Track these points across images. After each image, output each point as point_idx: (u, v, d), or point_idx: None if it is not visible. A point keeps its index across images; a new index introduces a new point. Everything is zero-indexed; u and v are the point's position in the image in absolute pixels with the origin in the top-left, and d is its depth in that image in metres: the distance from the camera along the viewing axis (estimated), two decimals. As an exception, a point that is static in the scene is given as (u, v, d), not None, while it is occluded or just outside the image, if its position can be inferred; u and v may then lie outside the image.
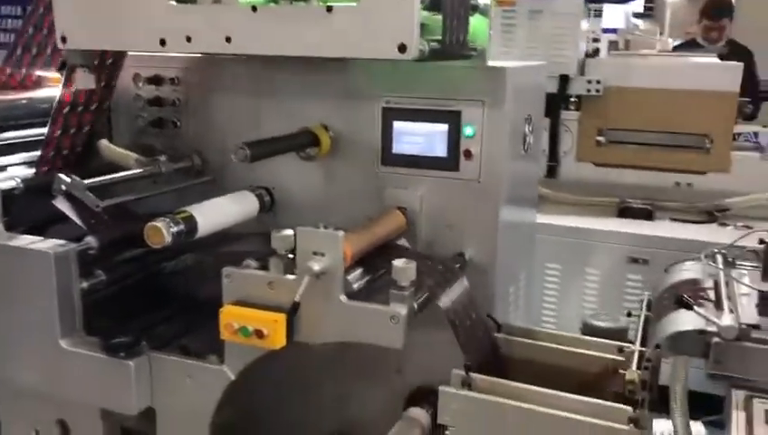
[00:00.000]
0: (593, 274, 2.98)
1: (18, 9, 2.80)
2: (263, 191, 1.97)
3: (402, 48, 1.35)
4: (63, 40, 1.63)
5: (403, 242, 1.82)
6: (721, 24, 4.71)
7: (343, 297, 1.47)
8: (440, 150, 1.79)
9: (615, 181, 3.32)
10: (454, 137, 1.76)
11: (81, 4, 1.61)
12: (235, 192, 1.91)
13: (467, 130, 1.75)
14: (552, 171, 3.41)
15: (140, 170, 1.88)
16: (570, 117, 3.38)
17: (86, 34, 1.62)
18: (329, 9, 1.39)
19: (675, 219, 3.16)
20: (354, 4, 1.38)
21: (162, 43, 1.55)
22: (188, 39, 1.52)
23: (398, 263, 1.45)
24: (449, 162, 1.78)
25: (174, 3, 1.54)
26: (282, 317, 1.47)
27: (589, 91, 3.25)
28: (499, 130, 1.73)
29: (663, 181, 3.26)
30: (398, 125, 1.82)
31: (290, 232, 1.52)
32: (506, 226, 1.83)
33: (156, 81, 2.05)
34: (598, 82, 3.22)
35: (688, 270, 1.71)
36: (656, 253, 2.81)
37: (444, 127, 1.77)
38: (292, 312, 1.46)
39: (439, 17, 1.49)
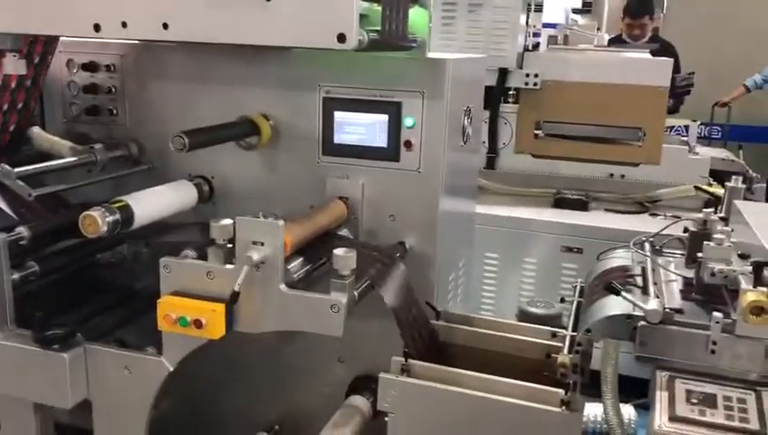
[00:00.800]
0: (530, 262, 3.06)
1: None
2: (201, 181, 1.96)
3: (341, 38, 1.35)
4: (-9, 23, 1.57)
5: (345, 232, 1.84)
6: (642, 21, 4.91)
7: (283, 286, 1.48)
8: (381, 141, 1.80)
9: (552, 173, 3.41)
10: (394, 127, 1.78)
11: (10, -14, 1.55)
12: (173, 181, 1.88)
13: (407, 121, 1.77)
14: (491, 163, 3.47)
15: (75, 159, 1.84)
16: (508, 110, 3.45)
17: (15, 18, 1.56)
18: (267, -3, 1.39)
19: (608, 210, 3.27)
20: (294, -8, 1.37)
21: (96, 28, 1.51)
22: (124, 25, 1.49)
23: (338, 252, 1.46)
24: (390, 152, 1.80)
25: (108, -14, 1.50)
26: (220, 307, 1.46)
27: (527, 84, 3.32)
28: (438, 121, 1.76)
29: (598, 173, 3.37)
30: (338, 115, 1.83)
31: (229, 221, 1.51)
32: (446, 215, 1.86)
33: (91, 67, 2.00)
34: (536, 75, 3.30)
35: (618, 257, 1.78)
36: (590, 242, 2.90)
37: (384, 117, 1.79)
38: (232, 301, 1.46)
39: (379, 8, 1.50)
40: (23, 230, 1.70)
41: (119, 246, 2.06)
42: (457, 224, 2.08)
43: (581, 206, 3.21)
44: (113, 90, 2.01)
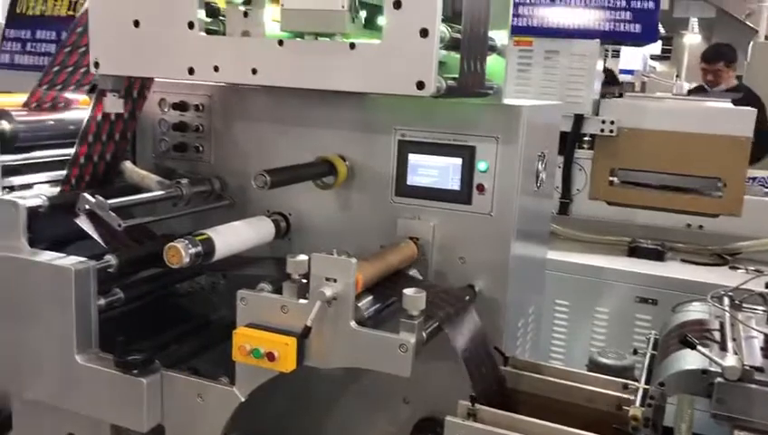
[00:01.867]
0: (602, 311, 2.99)
1: (53, 34, 2.91)
2: (279, 217, 2.02)
3: (420, 85, 1.40)
4: (96, 65, 1.70)
5: (414, 272, 1.86)
6: (715, 67, 4.82)
7: (353, 323, 1.50)
8: (454, 183, 1.83)
9: (627, 220, 3.35)
10: (467, 171, 1.81)
11: (114, 32, 1.68)
12: (252, 217, 1.95)
13: (481, 165, 1.79)
14: (564, 208, 3.44)
15: (162, 192, 1.93)
16: (583, 155, 3.43)
17: (118, 61, 1.68)
18: (352, 46, 1.45)
19: (685, 261, 3.17)
20: (377, 41, 1.43)
21: (191, 71, 1.61)
22: (216, 69, 1.58)
23: (408, 292, 1.48)
24: (462, 195, 1.82)
25: (204, 34, 1.60)
26: (292, 341, 1.50)
27: (603, 131, 3.30)
28: (512, 165, 1.78)
29: (674, 222, 3.29)
30: (413, 157, 1.87)
31: (304, 257, 1.55)
32: (517, 260, 1.86)
33: (181, 107, 2.11)
34: (612, 122, 3.27)
35: (695, 311, 1.73)
36: (665, 293, 2.82)
37: (458, 161, 1.81)
38: (303, 336, 1.49)
39: (457, 56, 1.54)
40: (111, 258, 1.80)
41: (197, 276, 2.14)
42: (529, 269, 2.07)
43: (657, 256, 3.13)
44: (201, 128, 2.11)
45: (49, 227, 1.94)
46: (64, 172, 1.98)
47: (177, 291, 2.13)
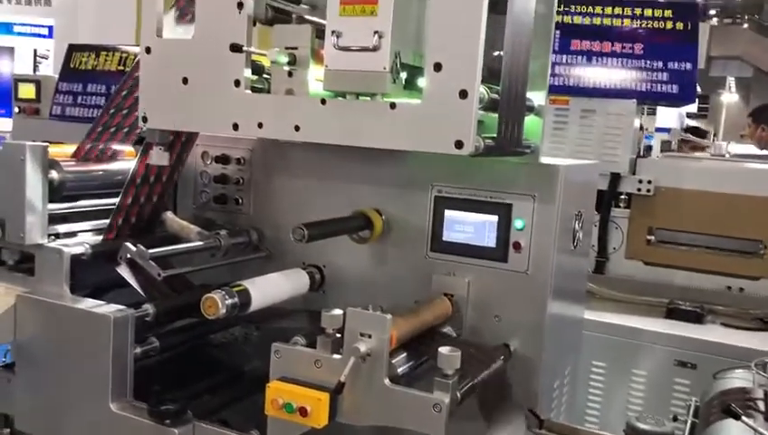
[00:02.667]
0: (640, 374, 2.91)
1: (103, 87, 3.04)
2: (314, 269, 2.03)
3: (459, 144, 1.42)
4: (144, 119, 1.76)
5: (449, 329, 1.85)
6: (756, 127, 4.80)
7: (387, 381, 1.49)
8: (490, 241, 1.83)
9: (664, 281, 3.29)
10: (504, 228, 1.81)
11: (163, 88, 1.74)
12: (288, 269, 1.97)
13: (517, 223, 1.79)
14: (600, 267, 3.40)
15: (201, 243, 1.97)
16: (620, 214, 3.40)
17: (165, 116, 1.75)
18: (392, 106, 1.48)
19: (725, 324, 3.09)
20: (417, 102, 1.46)
21: (235, 127, 1.66)
22: (260, 125, 1.63)
23: (443, 350, 1.47)
24: (498, 253, 1.82)
25: (249, 92, 1.65)
26: (325, 396, 1.49)
27: (639, 190, 3.27)
28: (549, 224, 1.77)
29: (714, 284, 3.22)
30: (449, 214, 1.88)
31: (339, 312, 1.56)
32: (554, 319, 1.84)
33: (223, 159, 2.16)
34: (649, 181, 3.25)
35: (738, 378, 1.68)
36: (705, 358, 2.74)
37: (494, 218, 1.82)
38: (336, 391, 1.48)
39: (495, 115, 1.56)
40: (149, 307, 1.82)
41: (232, 327, 2.16)
42: (565, 329, 2.04)
43: (696, 318, 3.05)
44: (241, 181, 2.16)
45: (90, 274, 1.98)
46: (107, 221, 2.04)
47: (212, 341, 2.14)
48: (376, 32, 1.43)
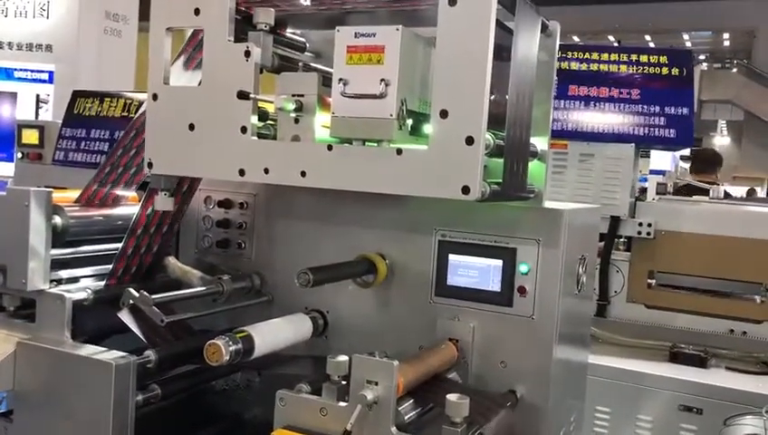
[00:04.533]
0: (645, 420, 2.88)
1: (107, 133, 3.06)
2: (317, 314, 2.02)
3: (465, 190, 1.42)
4: (150, 165, 1.77)
5: (454, 375, 1.82)
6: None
7: (394, 429, 1.47)
8: (494, 285, 1.82)
9: (666, 324, 3.27)
10: (508, 273, 1.80)
11: (169, 134, 1.75)
12: (290, 314, 1.96)
13: (522, 268, 1.79)
14: (601, 311, 3.38)
15: (204, 288, 1.95)
16: (620, 257, 3.40)
17: (171, 161, 1.75)
18: (399, 152, 1.50)
19: (730, 368, 3.06)
20: (423, 147, 1.48)
21: (241, 173, 1.66)
22: (266, 171, 1.63)
23: (451, 397, 1.45)
24: (503, 297, 1.81)
25: (255, 138, 1.67)
26: (332, 445, 1.47)
27: (640, 233, 3.28)
28: (554, 268, 1.77)
29: (716, 327, 3.20)
30: (453, 258, 1.87)
31: (344, 358, 1.54)
32: (560, 365, 1.82)
33: (226, 204, 2.17)
34: (649, 225, 3.26)
35: (749, 425, 1.66)
36: (711, 403, 2.71)
37: (499, 262, 1.81)
38: (343, 440, 1.46)
39: (499, 160, 1.57)
40: (150, 354, 1.80)
41: (233, 373, 2.13)
42: (570, 374, 2.02)
43: (700, 362, 3.03)
44: (244, 225, 2.16)
45: (91, 320, 1.96)
46: (110, 266, 2.03)
47: (213, 388, 2.11)
48: (382, 79, 1.45)
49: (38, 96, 9.60)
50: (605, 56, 3.30)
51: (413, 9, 1.73)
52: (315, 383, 1.63)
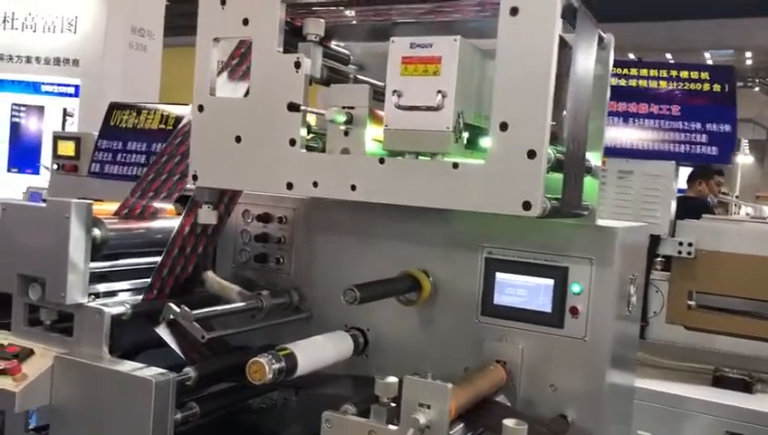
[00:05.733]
0: (688, 446, 2.78)
1: (144, 145, 3.05)
2: (357, 332, 1.97)
3: (527, 205, 1.37)
4: (195, 178, 1.73)
5: (502, 398, 1.76)
6: None
7: (447, 454, 1.41)
8: (545, 305, 1.76)
9: (707, 346, 3.16)
10: (560, 292, 1.74)
11: (215, 147, 1.72)
12: (329, 331, 1.91)
13: (575, 288, 1.72)
14: (641, 332, 3.29)
15: (244, 304, 1.91)
16: (658, 277, 3.31)
17: (217, 174, 1.72)
18: (455, 165, 1.44)
19: (776, 393, 2.96)
20: (480, 162, 1.42)
21: (289, 186, 1.62)
22: (315, 184, 1.59)
23: (509, 423, 1.39)
24: (553, 318, 1.75)
25: (304, 151, 1.62)
26: (382, 469, 1.41)
27: (680, 253, 3.19)
28: (607, 288, 1.71)
29: (760, 351, 3.09)
30: (500, 276, 1.82)
31: (394, 380, 1.49)
32: (611, 388, 1.75)
33: (264, 218, 2.13)
34: (690, 244, 3.17)
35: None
36: (758, 429, 2.61)
37: (549, 282, 1.75)
38: (394, 465, 1.40)
39: (556, 176, 1.52)
40: (190, 371, 1.76)
41: (271, 392, 2.08)
42: (620, 398, 1.95)
43: (745, 387, 2.93)
44: (282, 240, 2.11)
45: (127, 334, 1.93)
46: (147, 280, 1.99)
47: (249, 406, 2.06)
48: (439, 91, 1.40)
49: (65, 109, 9.69)
50: (644, 72, 3.24)
51: (464, 21, 1.69)
52: (360, 404, 1.58)
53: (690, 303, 3.21)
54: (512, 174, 1.38)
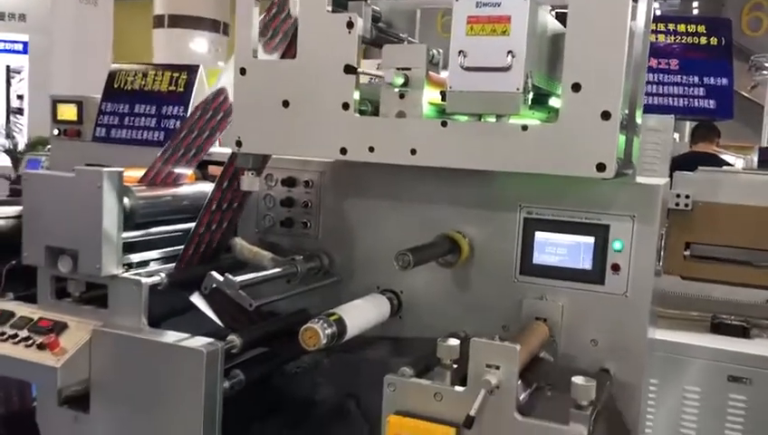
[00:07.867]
0: (692, 390, 2.88)
1: (153, 108, 2.91)
2: (391, 295, 1.97)
3: (601, 167, 1.37)
4: (239, 144, 1.68)
5: (545, 354, 1.79)
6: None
7: (518, 414, 1.43)
8: (585, 263, 1.78)
9: (704, 295, 3.27)
10: (600, 250, 1.76)
11: (260, 111, 1.66)
12: (360, 295, 1.90)
13: (616, 245, 1.75)
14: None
15: (280, 269, 1.89)
16: (654, 229, 3.38)
17: (263, 141, 1.66)
18: (524, 128, 1.43)
19: (773, 338, 3.07)
20: (552, 124, 1.41)
21: (343, 151, 1.58)
22: (371, 149, 1.56)
23: (578, 380, 1.42)
24: (594, 275, 1.77)
25: (358, 115, 1.58)
26: (451, 431, 1.43)
27: (677, 205, 3.26)
28: (648, 245, 1.74)
29: (755, 298, 3.21)
30: (539, 235, 1.83)
31: (456, 342, 1.50)
32: (651, 343, 1.80)
33: (289, 182, 2.08)
34: (687, 196, 3.24)
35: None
36: (759, 372, 2.72)
37: (590, 239, 1.77)
38: (466, 426, 1.42)
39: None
40: (234, 339, 1.74)
41: (303, 355, 2.07)
42: (652, 350, 2.01)
43: (742, 332, 3.04)
44: (309, 204, 2.08)
45: (159, 304, 1.89)
46: (174, 248, 1.95)
47: (284, 371, 2.06)
48: (509, 51, 1.38)
49: (8, 67, 9.29)
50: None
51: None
52: (416, 366, 1.59)
53: (686, 253, 3.29)
54: (585, 136, 1.37)
